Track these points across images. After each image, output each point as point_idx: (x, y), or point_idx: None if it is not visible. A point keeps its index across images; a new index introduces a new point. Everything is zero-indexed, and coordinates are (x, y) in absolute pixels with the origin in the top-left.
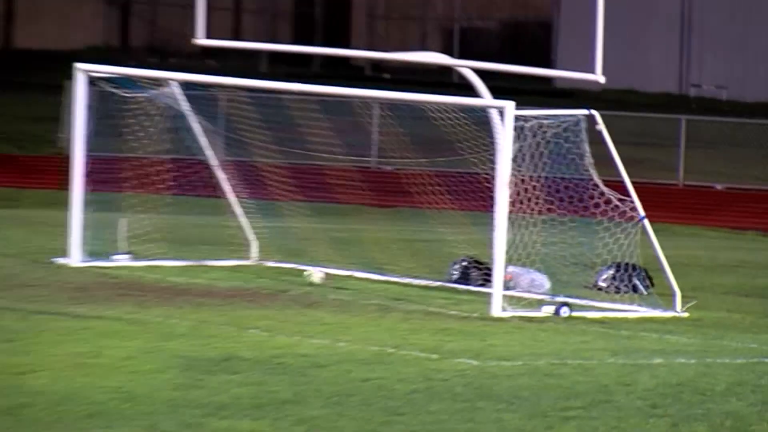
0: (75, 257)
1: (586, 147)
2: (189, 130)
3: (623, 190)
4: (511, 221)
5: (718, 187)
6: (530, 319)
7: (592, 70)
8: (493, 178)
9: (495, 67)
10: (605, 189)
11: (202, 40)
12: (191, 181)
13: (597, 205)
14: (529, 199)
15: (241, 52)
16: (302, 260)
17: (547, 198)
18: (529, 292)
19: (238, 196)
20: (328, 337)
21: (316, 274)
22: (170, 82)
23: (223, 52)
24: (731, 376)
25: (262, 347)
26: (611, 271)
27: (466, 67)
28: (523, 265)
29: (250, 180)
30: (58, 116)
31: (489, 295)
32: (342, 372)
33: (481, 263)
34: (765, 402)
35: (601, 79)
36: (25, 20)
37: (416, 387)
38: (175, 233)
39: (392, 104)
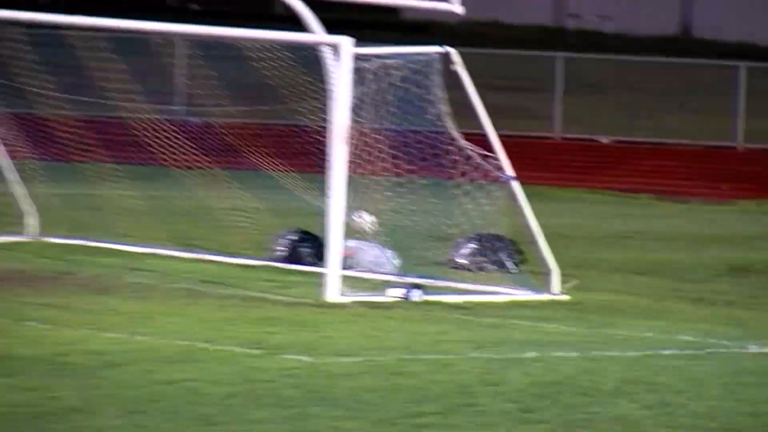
0: None
1: (441, 92)
2: None
3: (487, 145)
4: (350, 184)
5: (604, 140)
6: (374, 305)
7: None
8: (327, 131)
9: None
10: (464, 143)
11: None
12: None
13: (455, 164)
14: (372, 158)
15: None
16: (92, 235)
17: (393, 156)
18: (372, 271)
19: (14, 157)
20: (125, 329)
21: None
22: None
23: None
24: (621, 373)
25: (42, 343)
26: (472, 245)
27: None
28: (366, 239)
29: (33, 137)
30: None
31: (323, 275)
32: (142, 373)
33: (313, 237)
34: (662, 404)
35: (459, 9)
36: None
37: (234, 390)
38: None
39: (202, 42)
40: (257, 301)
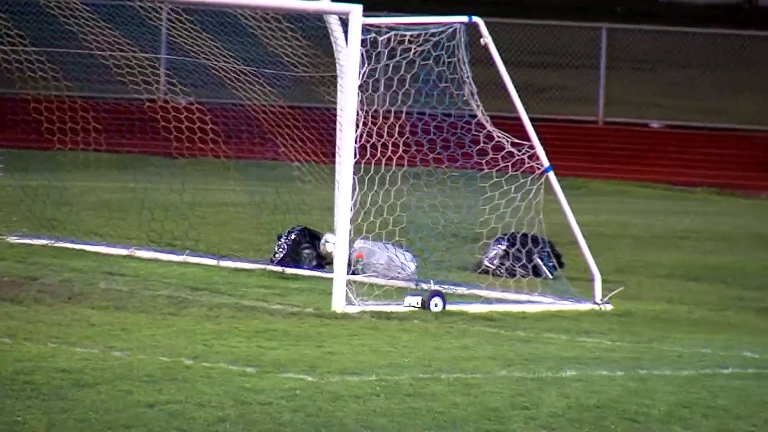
0: None
1: (467, 69)
2: None
3: (519, 131)
4: (360, 176)
5: (654, 124)
6: (388, 316)
7: None
8: (334, 114)
9: None
10: (494, 129)
11: None
12: None
13: (483, 153)
14: (386, 145)
15: None
16: (59, 233)
17: (411, 143)
18: (386, 276)
19: None
20: (98, 344)
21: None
22: None
23: None
24: (674, 395)
25: (2, 360)
26: (503, 247)
27: None
28: (378, 239)
29: None
30: None
31: (329, 281)
32: (118, 394)
33: (317, 236)
34: (722, 431)
35: None
36: None
37: (225, 414)
38: None
39: (187, 8)
40: (252, 310)
